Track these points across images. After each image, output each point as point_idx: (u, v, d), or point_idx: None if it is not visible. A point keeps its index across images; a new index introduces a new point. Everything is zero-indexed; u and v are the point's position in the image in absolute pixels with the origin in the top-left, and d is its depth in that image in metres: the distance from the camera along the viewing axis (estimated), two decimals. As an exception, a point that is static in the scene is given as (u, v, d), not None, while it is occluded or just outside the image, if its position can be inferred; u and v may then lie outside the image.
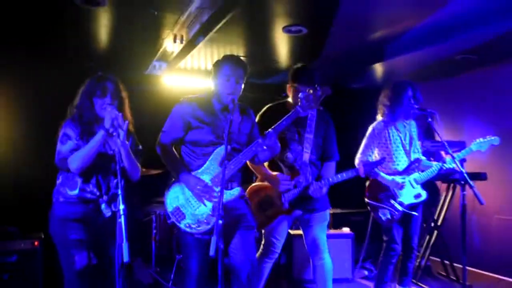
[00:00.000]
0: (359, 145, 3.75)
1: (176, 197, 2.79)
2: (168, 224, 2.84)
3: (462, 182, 3.21)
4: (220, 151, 2.73)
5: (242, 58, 2.88)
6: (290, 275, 4.69)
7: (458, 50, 4.68)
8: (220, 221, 2.16)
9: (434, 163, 3.64)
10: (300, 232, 4.81)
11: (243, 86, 2.83)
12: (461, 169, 3.25)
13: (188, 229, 2.71)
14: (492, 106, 5.12)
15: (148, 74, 5.63)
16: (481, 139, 3.65)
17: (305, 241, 3.40)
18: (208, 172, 2.76)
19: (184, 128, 2.81)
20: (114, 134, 2.43)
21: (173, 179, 2.84)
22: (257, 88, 6.10)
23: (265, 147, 2.72)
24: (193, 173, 2.77)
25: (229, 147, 2.68)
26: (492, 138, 3.65)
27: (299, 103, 2.73)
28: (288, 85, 3.33)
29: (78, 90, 2.74)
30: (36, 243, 4.04)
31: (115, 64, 5.04)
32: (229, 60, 2.81)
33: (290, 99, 3.34)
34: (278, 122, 2.74)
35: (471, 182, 3.14)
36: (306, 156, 3.27)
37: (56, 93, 2.75)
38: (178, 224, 2.74)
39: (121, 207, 2.16)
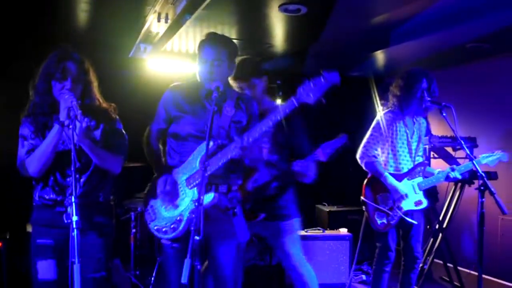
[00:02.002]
0: (357, 137, 3.38)
1: (154, 194, 2.42)
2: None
3: (482, 188, 2.81)
4: (203, 147, 2.25)
5: (233, 39, 2.45)
6: (282, 277, 4.33)
7: (469, 38, 4.31)
8: (197, 237, 1.75)
9: (437, 170, 3.31)
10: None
11: (229, 69, 2.42)
12: (481, 172, 2.86)
13: (156, 232, 2.37)
14: (504, 99, 4.75)
15: (132, 58, 5.18)
16: (490, 154, 3.33)
17: (279, 257, 3.01)
18: (186, 170, 2.35)
19: (166, 120, 2.45)
20: (70, 126, 1.99)
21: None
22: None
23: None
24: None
25: (212, 143, 2.23)
26: (500, 154, 3.33)
27: (296, 93, 2.21)
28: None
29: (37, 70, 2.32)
30: (-1, 244, 3.65)
31: (94, 46, 4.60)
32: (208, 39, 2.40)
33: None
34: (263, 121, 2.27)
35: (492, 189, 2.76)
36: (264, 152, 2.82)
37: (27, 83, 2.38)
38: (148, 225, 2.41)
39: (74, 218, 1.75)
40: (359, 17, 3.91)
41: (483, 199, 2.84)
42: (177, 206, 2.32)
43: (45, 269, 2.25)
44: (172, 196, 2.32)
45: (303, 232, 4.43)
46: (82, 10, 3.83)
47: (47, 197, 2.29)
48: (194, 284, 1.76)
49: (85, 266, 1.94)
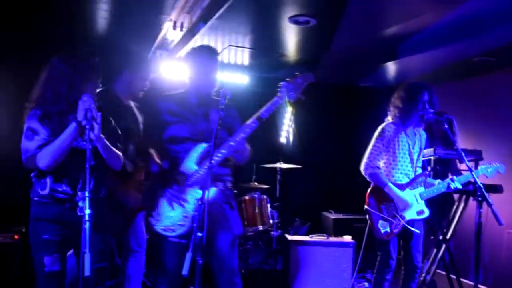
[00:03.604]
0: (366, 149, 3.46)
1: (154, 198, 2.61)
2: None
3: (480, 199, 2.90)
4: (198, 149, 2.53)
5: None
6: (286, 282, 4.42)
7: (476, 52, 4.39)
8: (200, 234, 1.88)
9: (437, 181, 3.38)
10: (298, 237, 4.61)
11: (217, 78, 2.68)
12: (479, 184, 2.93)
13: (163, 232, 2.53)
14: (510, 112, 4.79)
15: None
16: (487, 165, 3.42)
17: None
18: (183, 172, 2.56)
19: (161, 126, 2.65)
20: (87, 127, 2.14)
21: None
22: (263, 82, 5.86)
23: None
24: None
25: (206, 145, 2.51)
26: (498, 165, 3.43)
27: (278, 93, 2.54)
28: None
29: (48, 71, 2.43)
30: (16, 237, 3.82)
31: (111, 51, 4.77)
32: (202, 51, 2.65)
33: None
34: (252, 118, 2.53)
35: (490, 200, 2.84)
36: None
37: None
38: (154, 226, 2.57)
39: (87, 212, 1.89)
40: (367, 30, 4.02)
41: (481, 210, 2.93)
42: (182, 205, 2.50)
43: (51, 262, 2.36)
44: (177, 197, 2.51)
45: (307, 238, 4.53)
46: (102, 17, 4.02)
47: (60, 190, 2.36)
48: (195, 277, 1.89)
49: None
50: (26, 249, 3.84)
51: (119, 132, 2.62)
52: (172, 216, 2.51)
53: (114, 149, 2.46)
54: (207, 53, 2.61)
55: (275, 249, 4.76)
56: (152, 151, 2.69)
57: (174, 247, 2.52)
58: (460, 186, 3.27)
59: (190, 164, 2.52)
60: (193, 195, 2.49)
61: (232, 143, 2.46)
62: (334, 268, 4.41)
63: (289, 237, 4.52)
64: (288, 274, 4.41)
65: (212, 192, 2.46)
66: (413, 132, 3.40)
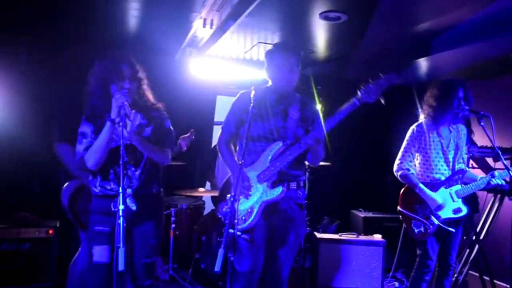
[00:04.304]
0: (397, 147, 3.40)
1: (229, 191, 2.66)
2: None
3: (517, 198, 2.81)
4: (274, 147, 2.55)
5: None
6: (315, 280, 4.40)
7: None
8: (231, 230, 1.89)
9: (479, 176, 3.28)
10: (327, 235, 4.58)
11: (298, 75, 2.63)
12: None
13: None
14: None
15: (178, 61, 5.40)
16: None
17: None
18: (256, 168, 2.58)
19: (237, 124, 2.68)
20: (121, 124, 2.17)
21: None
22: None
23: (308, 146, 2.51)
24: (244, 169, 2.61)
25: (281, 144, 2.54)
26: None
27: (358, 94, 2.47)
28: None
29: (89, 74, 2.51)
30: (50, 231, 3.92)
31: (142, 49, 4.83)
32: (280, 48, 2.61)
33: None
34: (328, 119, 2.54)
35: (527, 199, 2.74)
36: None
37: (78, 79, 2.58)
38: (224, 220, 2.61)
39: (121, 207, 1.93)
40: (400, 26, 3.94)
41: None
42: (249, 200, 2.55)
43: (99, 253, 2.42)
44: (246, 190, 2.55)
45: (336, 236, 4.50)
46: (133, 16, 4.07)
47: (108, 188, 2.47)
48: (226, 273, 1.90)
49: (138, 252, 2.12)
50: (61, 244, 3.98)
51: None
52: (239, 210, 2.52)
53: (153, 145, 2.50)
54: (286, 51, 2.57)
55: (304, 247, 4.74)
56: (231, 147, 2.76)
57: (239, 242, 2.54)
58: (502, 182, 3.18)
59: (264, 161, 2.56)
60: (261, 191, 2.53)
61: (300, 147, 2.49)
62: (364, 267, 4.36)
63: (318, 235, 4.50)
64: (316, 272, 4.39)
65: (281, 190, 2.50)
66: (448, 130, 3.31)
